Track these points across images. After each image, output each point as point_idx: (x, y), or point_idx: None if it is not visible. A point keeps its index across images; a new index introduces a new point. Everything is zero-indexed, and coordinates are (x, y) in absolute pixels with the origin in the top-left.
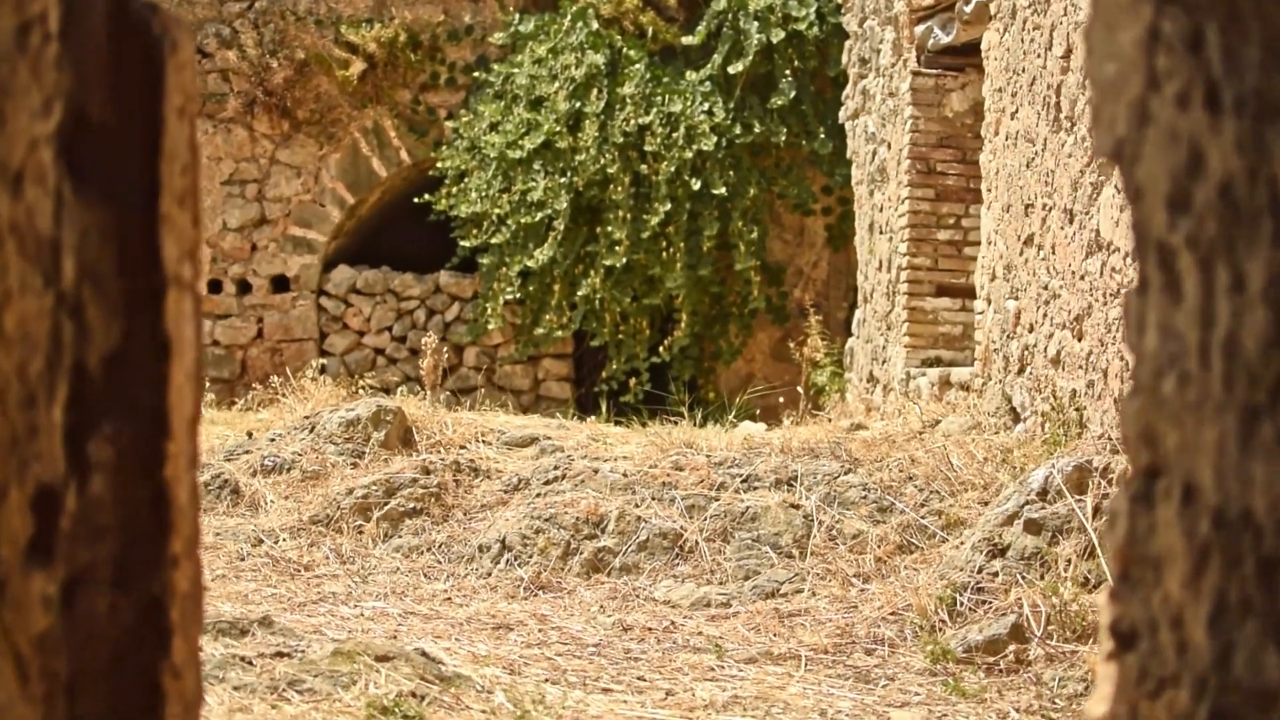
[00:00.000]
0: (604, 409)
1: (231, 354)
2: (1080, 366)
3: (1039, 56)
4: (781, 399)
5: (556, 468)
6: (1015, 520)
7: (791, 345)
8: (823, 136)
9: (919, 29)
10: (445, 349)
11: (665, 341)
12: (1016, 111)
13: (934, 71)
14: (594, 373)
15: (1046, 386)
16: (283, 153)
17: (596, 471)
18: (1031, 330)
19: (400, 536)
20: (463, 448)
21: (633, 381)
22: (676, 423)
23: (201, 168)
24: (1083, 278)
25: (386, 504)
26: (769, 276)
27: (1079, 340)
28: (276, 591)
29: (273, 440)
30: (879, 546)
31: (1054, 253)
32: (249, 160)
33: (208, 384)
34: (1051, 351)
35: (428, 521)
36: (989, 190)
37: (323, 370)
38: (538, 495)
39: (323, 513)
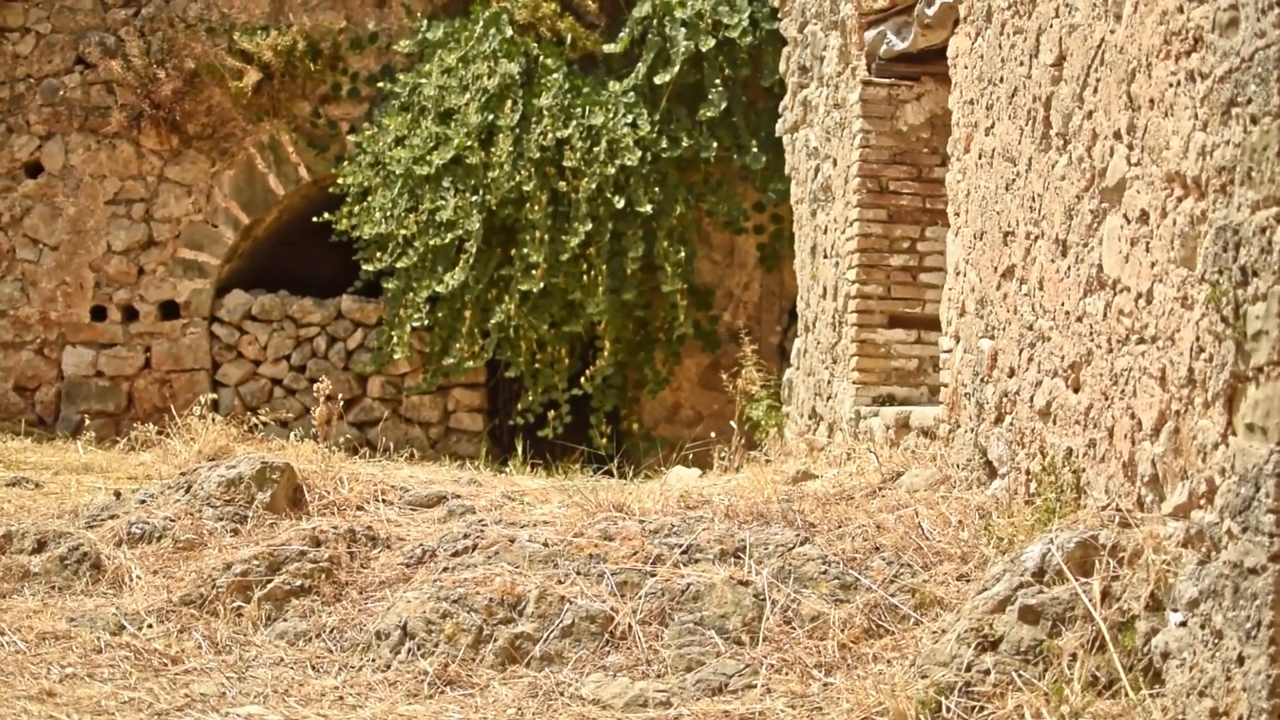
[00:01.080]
0: (520, 450)
1: (117, 386)
2: (1077, 422)
3: (1022, 64)
4: (714, 433)
5: (467, 536)
6: (1008, 606)
7: (723, 375)
8: (755, 150)
9: (869, 34)
10: (340, 395)
11: (587, 371)
12: (993, 126)
13: (886, 81)
14: (510, 403)
15: (1032, 441)
16: (172, 170)
17: (513, 540)
18: (1012, 375)
19: (285, 620)
20: (360, 509)
21: (551, 414)
22: (599, 469)
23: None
24: (1080, 319)
25: (270, 581)
26: (697, 300)
27: (1075, 391)
28: (135, 695)
29: (143, 502)
30: (843, 631)
31: (1041, 288)
32: (135, 178)
33: (88, 420)
34: (1039, 401)
35: (317, 602)
36: (957, 214)
37: (215, 406)
38: (445, 570)
39: (196, 592)
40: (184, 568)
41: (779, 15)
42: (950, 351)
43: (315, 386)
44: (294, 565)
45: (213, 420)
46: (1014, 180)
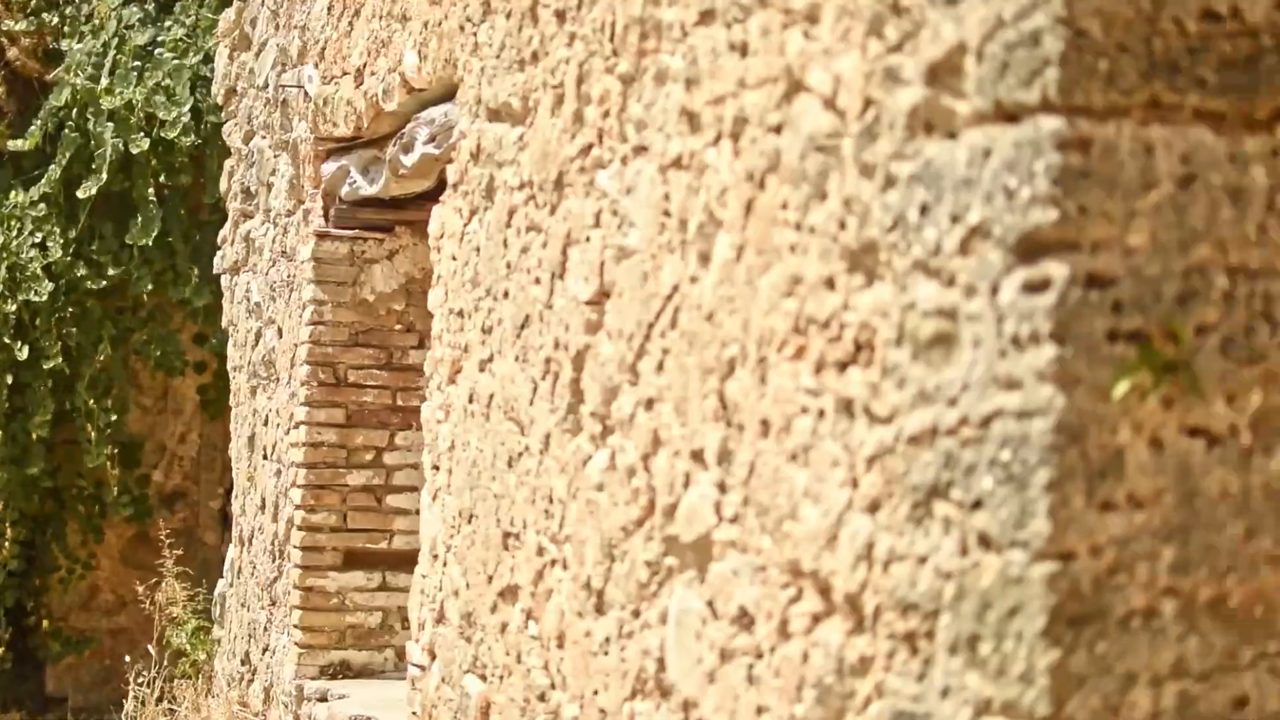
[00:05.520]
0: None
1: None
2: None
3: (539, 283)
4: (127, 656)
5: None
6: None
7: (152, 550)
8: (196, 281)
9: (328, 167)
10: None
11: None
12: (491, 360)
13: (348, 233)
14: None
15: None
16: None
17: None
18: None
19: None
20: None
21: None
22: None
23: None
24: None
25: None
26: (123, 456)
27: None
28: None
29: None
30: None
31: (560, 646)
32: None
33: None
34: None
35: None
36: (436, 468)
37: None
38: None
39: None
40: None
41: (223, 113)
42: (424, 670)
43: None
44: None
45: None
46: (520, 455)
